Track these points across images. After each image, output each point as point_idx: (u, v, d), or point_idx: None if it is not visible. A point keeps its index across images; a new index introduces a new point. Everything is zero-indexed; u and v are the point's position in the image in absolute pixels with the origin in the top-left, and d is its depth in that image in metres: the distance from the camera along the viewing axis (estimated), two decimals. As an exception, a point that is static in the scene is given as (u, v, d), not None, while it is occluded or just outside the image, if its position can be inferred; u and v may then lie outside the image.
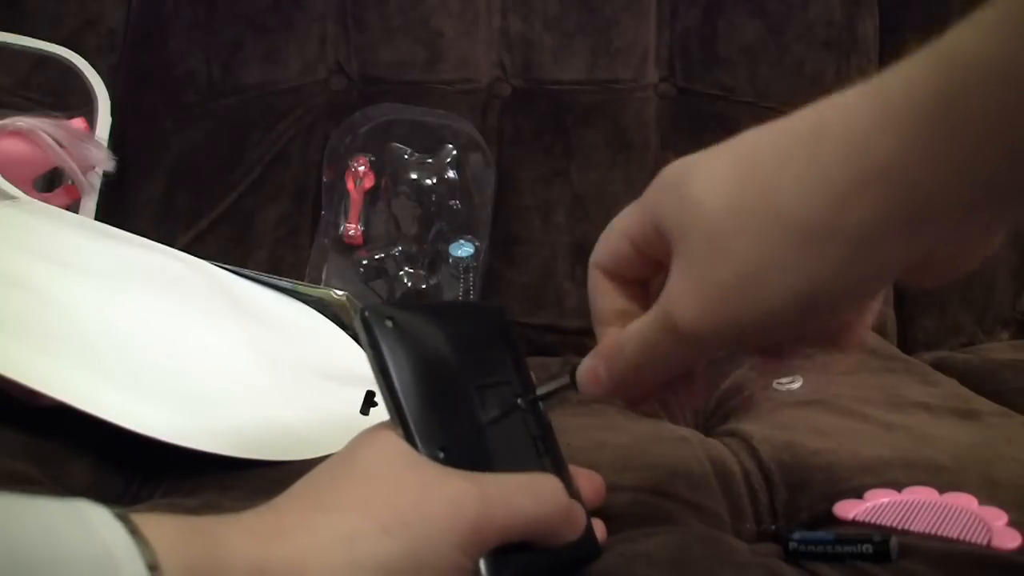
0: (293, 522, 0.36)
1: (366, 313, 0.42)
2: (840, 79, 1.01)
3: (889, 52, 1.02)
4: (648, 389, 0.43)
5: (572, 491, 0.44)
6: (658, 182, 0.42)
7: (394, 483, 0.38)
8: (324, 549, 0.35)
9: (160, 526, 0.32)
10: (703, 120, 1.00)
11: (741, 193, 0.37)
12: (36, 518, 0.29)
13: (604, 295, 0.45)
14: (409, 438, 0.41)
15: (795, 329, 0.38)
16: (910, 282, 0.40)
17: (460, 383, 0.44)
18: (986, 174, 0.32)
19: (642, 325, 0.40)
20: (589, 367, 0.43)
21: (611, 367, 0.42)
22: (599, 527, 0.47)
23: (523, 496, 0.40)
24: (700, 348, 0.39)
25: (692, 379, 0.44)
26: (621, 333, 0.42)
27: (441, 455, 0.41)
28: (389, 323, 0.43)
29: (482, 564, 0.38)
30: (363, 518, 0.36)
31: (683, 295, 0.38)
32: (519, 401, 0.46)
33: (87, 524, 0.30)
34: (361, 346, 0.42)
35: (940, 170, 0.32)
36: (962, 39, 0.33)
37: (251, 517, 0.36)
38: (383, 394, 0.42)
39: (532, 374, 0.48)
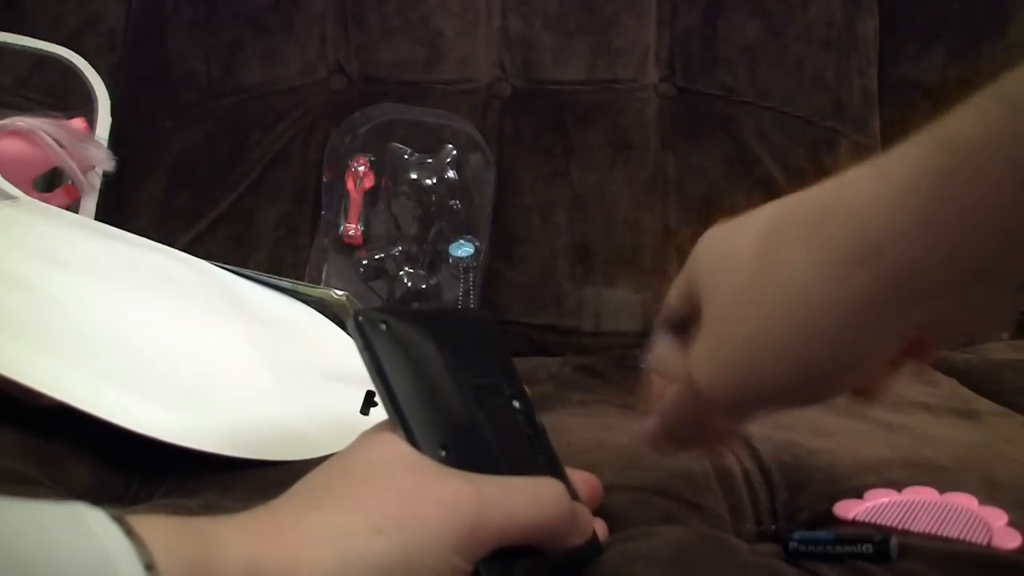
0: (287, 521, 0.37)
1: (360, 317, 0.42)
2: (840, 79, 1.01)
3: (889, 52, 1.02)
4: (695, 442, 0.48)
5: (571, 493, 0.44)
6: (701, 242, 0.45)
7: (390, 483, 0.38)
8: (316, 548, 0.35)
9: (155, 527, 0.32)
10: (703, 120, 1.00)
11: (758, 263, 0.40)
12: (33, 521, 0.30)
13: (660, 342, 0.48)
14: (410, 438, 0.40)
15: (803, 396, 0.41)
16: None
17: (455, 384, 0.44)
18: (977, 258, 0.34)
19: (675, 391, 0.45)
20: (645, 427, 0.48)
21: (663, 422, 0.47)
22: (600, 526, 0.47)
23: (522, 499, 0.40)
24: (718, 409, 0.42)
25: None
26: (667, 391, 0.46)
27: (443, 453, 0.41)
28: (383, 326, 0.43)
29: (482, 569, 0.38)
30: (356, 518, 0.36)
31: (700, 356, 0.42)
32: (515, 403, 0.46)
33: (84, 526, 0.30)
34: (357, 349, 0.42)
35: (933, 250, 0.34)
36: (960, 124, 0.34)
37: (246, 517, 0.36)
38: (381, 396, 0.42)
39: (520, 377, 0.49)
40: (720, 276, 0.42)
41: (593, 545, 0.45)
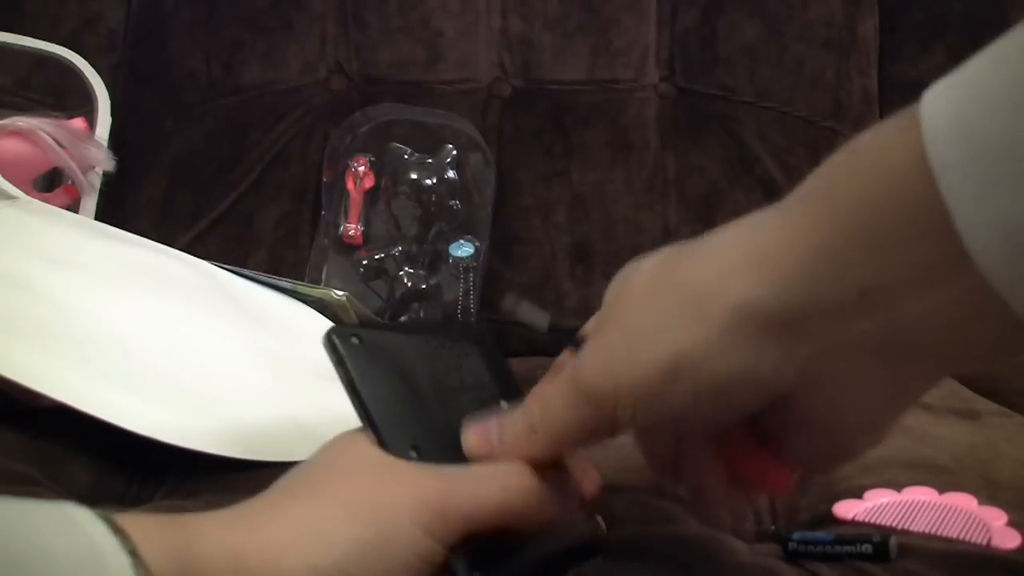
0: (267, 513, 0.39)
1: (332, 334, 0.44)
2: (840, 79, 1.01)
3: (889, 52, 1.02)
4: (549, 454, 0.42)
5: (552, 480, 0.44)
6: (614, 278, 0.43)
7: (362, 476, 0.40)
8: (297, 534, 0.37)
9: (140, 522, 0.34)
10: (703, 120, 1.00)
11: (653, 270, 0.39)
12: (23, 518, 0.31)
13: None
14: (380, 441, 0.42)
15: (670, 405, 0.38)
16: (796, 447, 0.40)
17: (431, 388, 0.45)
18: (859, 271, 0.33)
19: (552, 387, 0.41)
20: (476, 431, 0.43)
21: (505, 429, 0.43)
22: (598, 523, 0.47)
23: (488, 483, 0.41)
24: (598, 408, 0.39)
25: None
26: (528, 397, 0.43)
27: (414, 454, 0.42)
28: (355, 340, 0.45)
29: (458, 565, 0.39)
30: (333, 506, 0.38)
31: (585, 356, 0.40)
32: (503, 403, 0.46)
33: (72, 522, 0.32)
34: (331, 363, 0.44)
35: (819, 257, 0.34)
36: (847, 144, 0.34)
37: (226, 512, 0.39)
38: (352, 404, 0.43)
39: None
40: (616, 292, 0.41)
41: (590, 545, 0.45)
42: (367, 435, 0.42)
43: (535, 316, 0.46)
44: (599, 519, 0.47)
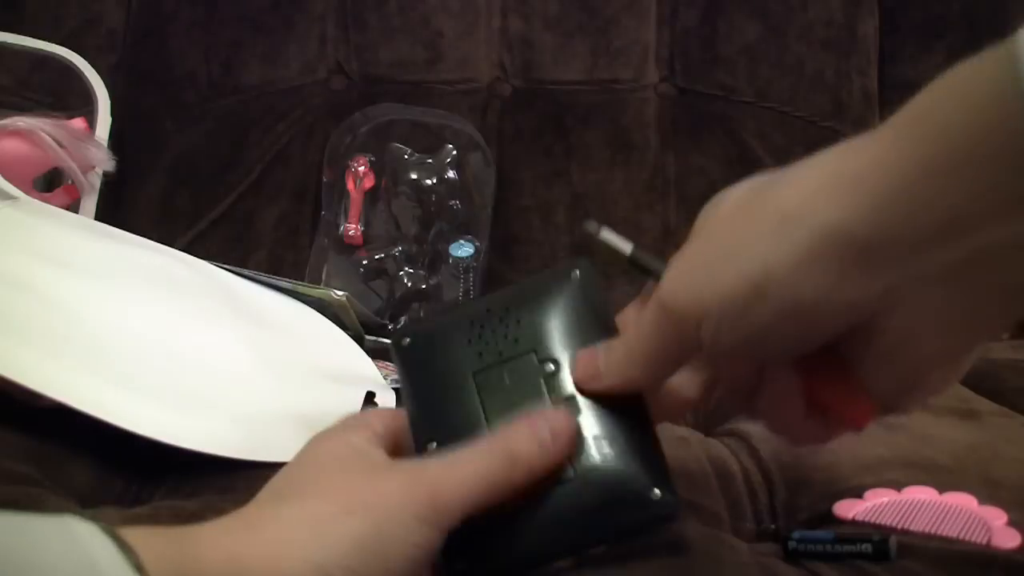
0: (262, 516, 0.39)
1: (392, 338, 0.48)
2: (840, 79, 1.01)
3: (889, 52, 1.02)
4: (646, 379, 0.43)
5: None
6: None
7: (349, 473, 0.41)
8: (295, 534, 0.37)
9: (142, 534, 0.34)
10: (703, 120, 1.00)
11: (743, 195, 0.40)
12: (22, 533, 0.31)
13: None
14: (414, 435, 0.44)
15: (752, 326, 0.37)
16: (875, 378, 0.40)
17: (469, 375, 0.45)
18: (951, 196, 0.33)
19: (643, 312, 0.42)
20: (585, 358, 0.44)
21: (609, 353, 0.43)
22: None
23: (469, 464, 0.41)
24: (681, 327, 0.39)
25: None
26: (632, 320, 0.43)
27: (433, 446, 0.44)
28: (407, 340, 0.48)
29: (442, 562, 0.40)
30: (326, 503, 0.39)
31: (669, 274, 0.40)
32: (547, 366, 0.45)
33: (72, 537, 0.32)
34: None
35: (910, 182, 0.33)
36: (941, 76, 0.33)
37: (225, 519, 0.39)
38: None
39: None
40: (709, 210, 0.41)
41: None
42: (344, 432, 0.43)
43: (618, 241, 0.45)
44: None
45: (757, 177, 0.40)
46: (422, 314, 0.96)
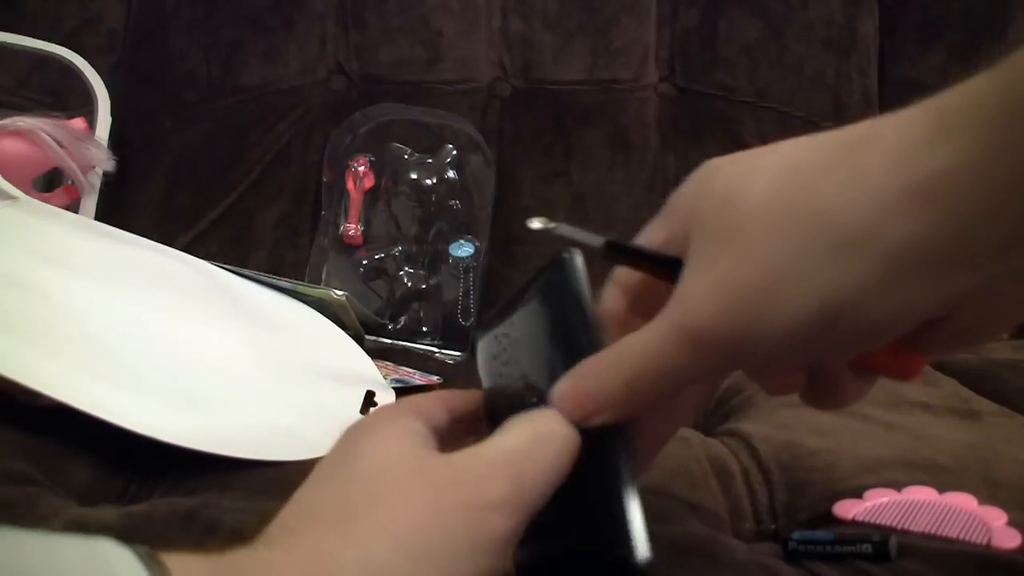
0: (319, 557, 0.34)
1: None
2: (840, 79, 1.01)
3: (889, 52, 1.02)
4: (655, 401, 0.37)
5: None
6: (689, 180, 0.38)
7: (407, 495, 0.35)
8: (337, 554, 0.33)
9: (187, 563, 0.31)
10: (703, 120, 1.00)
11: (777, 193, 0.34)
12: (52, 559, 0.28)
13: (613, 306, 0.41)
14: None
15: (812, 349, 0.34)
16: (932, 346, 0.37)
17: (509, 380, 0.43)
18: None
19: (650, 333, 0.36)
20: (568, 388, 0.38)
21: (602, 383, 0.37)
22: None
23: (540, 446, 0.37)
24: (715, 357, 0.35)
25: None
26: (617, 345, 0.37)
27: None
28: (481, 338, 0.45)
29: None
30: (390, 549, 0.34)
31: (700, 295, 0.35)
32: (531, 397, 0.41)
33: (104, 561, 0.29)
34: None
35: (993, 189, 0.30)
36: None
37: (277, 552, 0.34)
38: None
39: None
40: (717, 210, 0.35)
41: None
42: (385, 422, 0.39)
43: (583, 235, 0.40)
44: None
45: (768, 154, 0.36)
46: (422, 314, 0.96)
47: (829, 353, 0.36)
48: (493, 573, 0.35)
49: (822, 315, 0.33)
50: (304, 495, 0.37)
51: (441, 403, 0.41)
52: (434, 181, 0.97)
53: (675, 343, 0.35)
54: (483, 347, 0.46)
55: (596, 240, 0.40)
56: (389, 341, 0.95)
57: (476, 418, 0.42)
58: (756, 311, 0.33)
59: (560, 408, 0.38)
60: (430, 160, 0.98)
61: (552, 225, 0.41)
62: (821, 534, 0.48)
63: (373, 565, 0.33)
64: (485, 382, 0.45)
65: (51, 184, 0.93)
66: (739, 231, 0.34)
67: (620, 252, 0.39)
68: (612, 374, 0.37)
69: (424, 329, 0.96)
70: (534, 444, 0.37)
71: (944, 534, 0.48)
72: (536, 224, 0.41)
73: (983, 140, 0.30)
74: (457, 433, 0.41)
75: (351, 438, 0.39)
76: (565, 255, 0.41)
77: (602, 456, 0.38)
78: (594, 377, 0.37)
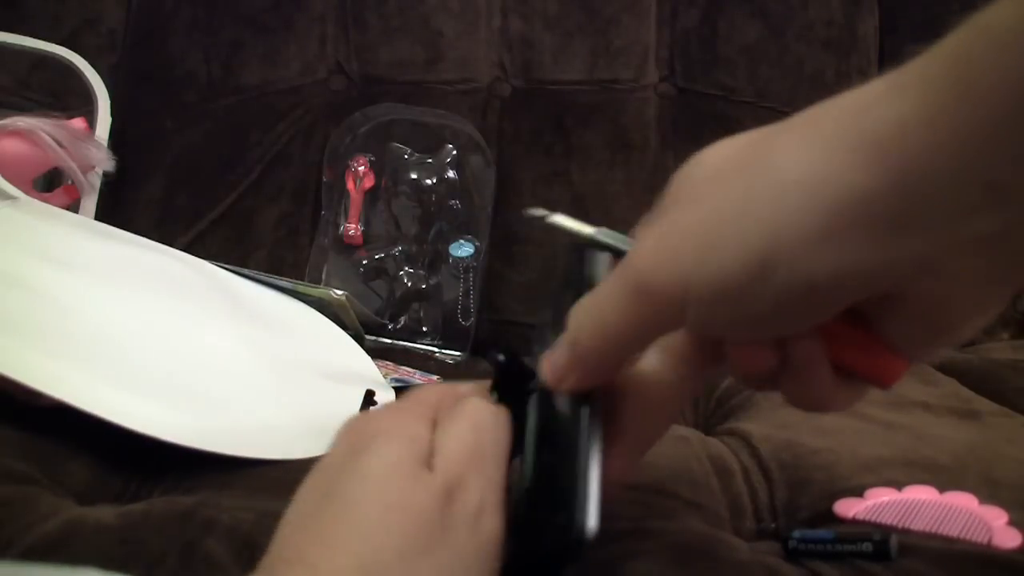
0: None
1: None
2: (840, 79, 1.01)
3: (889, 52, 1.02)
4: (612, 363, 0.38)
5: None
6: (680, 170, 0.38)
7: (412, 511, 0.35)
8: None
9: None
10: (703, 120, 1.00)
11: (735, 153, 0.35)
12: None
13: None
14: None
15: (755, 306, 0.33)
16: (902, 340, 0.36)
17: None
18: (993, 162, 0.29)
19: (600, 289, 0.36)
20: (545, 358, 0.39)
21: (573, 345, 0.38)
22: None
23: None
24: (657, 305, 0.34)
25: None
26: (575, 306, 0.38)
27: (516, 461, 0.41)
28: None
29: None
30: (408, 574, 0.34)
31: (646, 246, 0.35)
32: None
33: None
34: None
35: (943, 147, 0.29)
36: (988, 10, 0.29)
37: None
38: None
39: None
40: (686, 176, 0.35)
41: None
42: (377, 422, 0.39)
43: (576, 225, 0.41)
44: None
45: (741, 135, 0.36)
46: (422, 314, 0.96)
47: (774, 315, 0.33)
48: (495, 573, 0.36)
49: (759, 261, 0.32)
50: (310, 508, 0.36)
51: (450, 397, 0.41)
52: (434, 181, 0.97)
53: (620, 293, 0.35)
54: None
55: (587, 230, 0.41)
56: (389, 341, 0.95)
57: None
58: (695, 256, 0.33)
59: (543, 377, 0.39)
60: (430, 160, 0.98)
61: (546, 213, 0.41)
62: (822, 533, 0.48)
63: None
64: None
65: (51, 184, 0.93)
66: (692, 188, 0.35)
67: (604, 247, 0.40)
68: (570, 335, 0.37)
69: (424, 329, 0.96)
70: (476, 435, 0.38)
71: (945, 533, 0.48)
72: (534, 212, 0.41)
73: (933, 94, 0.30)
74: None
75: (355, 439, 0.38)
76: (587, 251, 0.42)
77: (570, 427, 0.38)
78: (561, 343, 0.38)
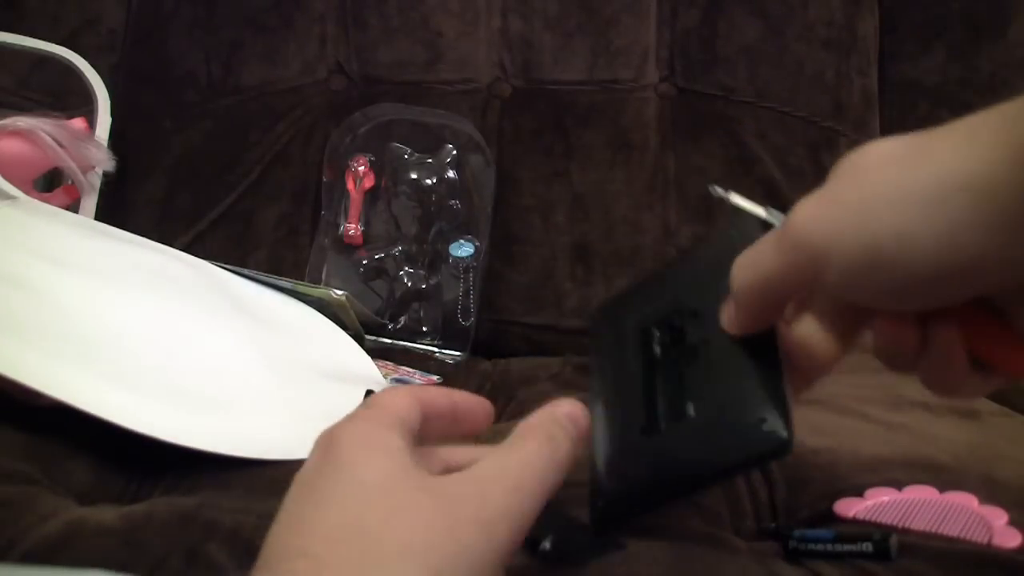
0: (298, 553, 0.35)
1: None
2: (840, 79, 1.01)
3: (889, 52, 1.02)
4: (769, 307, 0.42)
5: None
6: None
7: (419, 512, 0.36)
8: None
9: None
10: (703, 120, 1.00)
11: (899, 147, 0.38)
12: None
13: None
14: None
15: (890, 275, 0.37)
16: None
17: (631, 339, 0.49)
18: None
19: (763, 239, 0.41)
20: (727, 303, 0.44)
21: (736, 292, 0.42)
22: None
23: (531, 458, 0.40)
24: (805, 257, 0.38)
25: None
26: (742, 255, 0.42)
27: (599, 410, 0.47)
28: (595, 319, 0.53)
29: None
30: (413, 567, 0.34)
31: (804, 208, 0.39)
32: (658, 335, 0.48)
33: None
34: None
35: None
36: None
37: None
38: None
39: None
40: (852, 159, 0.39)
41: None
42: (370, 426, 0.39)
43: (748, 205, 0.45)
44: None
45: (905, 135, 0.39)
46: (422, 314, 0.96)
47: (918, 287, 0.37)
48: (507, 555, 0.37)
49: (911, 237, 0.35)
50: (305, 514, 0.36)
51: (415, 406, 0.41)
52: (434, 181, 0.97)
53: (777, 245, 0.40)
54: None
55: (758, 210, 0.46)
56: (389, 341, 0.95)
57: (452, 419, 0.44)
58: (852, 222, 0.37)
59: (722, 319, 0.44)
60: (430, 160, 0.98)
61: (724, 193, 0.47)
62: (822, 532, 0.48)
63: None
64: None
65: (51, 184, 0.93)
66: (856, 172, 0.38)
67: (771, 226, 0.45)
68: (734, 282, 0.42)
69: (424, 329, 0.96)
70: (533, 456, 0.40)
71: (945, 533, 0.48)
72: (717, 191, 0.47)
73: None
74: (430, 434, 0.42)
75: (336, 452, 0.38)
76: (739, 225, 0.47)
77: (757, 353, 0.44)
78: (734, 289, 0.43)
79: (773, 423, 0.42)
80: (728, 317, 0.44)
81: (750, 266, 0.41)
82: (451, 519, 0.36)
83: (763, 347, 0.44)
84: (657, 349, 0.48)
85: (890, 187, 0.36)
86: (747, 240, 0.43)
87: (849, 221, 0.37)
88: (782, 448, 0.42)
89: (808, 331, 0.42)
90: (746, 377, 0.43)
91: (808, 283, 0.40)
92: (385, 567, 0.34)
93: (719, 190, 0.47)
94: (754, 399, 0.43)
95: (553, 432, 0.41)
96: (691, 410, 0.44)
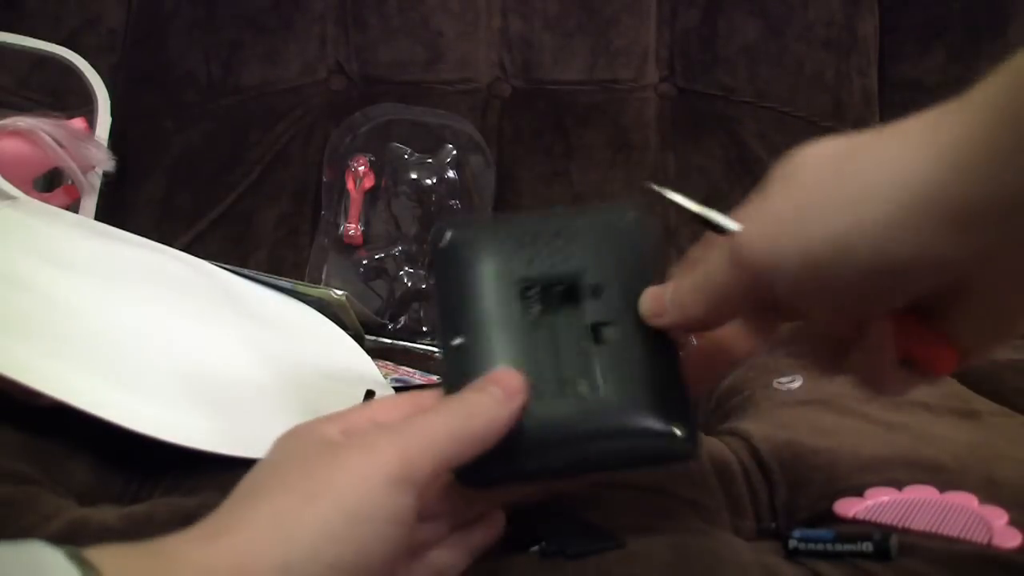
0: (226, 519, 0.38)
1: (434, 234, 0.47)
2: (840, 79, 1.01)
3: (889, 52, 1.02)
4: (709, 320, 0.43)
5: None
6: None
7: (312, 459, 0.39)
8: (259, 535, 0.36)
9: (114, 555, 0.33)
10: (703, 120, 1.00)
11: (831, 151, 0.39)
12: None
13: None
14: (440, 334, 0.45)
15: (836, 282, 0.37)
16: (960, 332, 0.40)
17: (511, 281, 0.46)
18: None
19: (710, 256, 0.42)
20: (653, 292, 0.44)
21: (675, 290, 0.43)
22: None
23: (446, 422, 0.40)
24: (751, 273, 0.39)
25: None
26: (690, 265, 0.44)
27: (458, 340, 0.44)
28: (449, 234, 0.47)
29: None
30: (289, 496, 0.37)
31: (747, 220, 0.40)
32: (590, 289, 0.45)
33: (37, 565, 0.31)
34: None
35: (1003, 152, 0.33)
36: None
37: (194, 529, 0.37)
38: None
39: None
40: (787, 167, 0.40)
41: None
42: (315, 424, 0.42)
43: (684, 200, 0.45)
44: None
45: (838, 137, 0.40)
46: (422, 314, 0.96)
47: (853, 292, 0.38)
48: (395, 510, 0.38)
49: (843, 242, 0.36)
50: (232, 493, 0.40)
51: (369, 409, 0.45)
52: (434, 181, 0.97)
53: (723, 261, 0.41)
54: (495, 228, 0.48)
55: (695, 207, 0.45)
56: (389, 341, 0.95)
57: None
58: (786, 234, 0.38)
59: (643, 306, 0.44)
60: (430, 160, 0.98)
61: (662, 190, 0.46)
62: (821, 532, 0.48)
63: (271, 511, 0.37)
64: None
65: (51, 184, 0.93)
66: (789, 177, 0.39)
67: (708, 222, 0.44)
68: (687, 286, 0.43)
69: (424, 329, 0.96)
70: (455, 409, 0.41)
71: (945, 533, 0.48)
72: (653, 187, 0.47)
73: (992, 109, 0.34)
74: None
75: (277, 442, 0.42)
76: (638, 206, 0.48)
77: (662, 348, 0.44)
78: (672, 286, 0.44)
79: (681, 428, 0.43)
80: (654, 310, 0.44)
81: (702, 283, 0.42)
82: (340, 454, 0.39)
83: (666, 342, 0.44)
84: (536, 308, 0.45)
85: (822, 193, 0.38)
86: (648, 227, 0.46)
87: (787, 234, 0.38)
88: (686, 454, 0.43)
89: (727, 328, 0.44)
90: (652, 372, 0.43)
91: (759, 296, 0.40)
92: (259, 500, 0.38)
93: (655, 187, 0.47)
94: (663, 399, 0.43)
95: (482, 402, 0.42)
96: (584, 389, 0.43)
